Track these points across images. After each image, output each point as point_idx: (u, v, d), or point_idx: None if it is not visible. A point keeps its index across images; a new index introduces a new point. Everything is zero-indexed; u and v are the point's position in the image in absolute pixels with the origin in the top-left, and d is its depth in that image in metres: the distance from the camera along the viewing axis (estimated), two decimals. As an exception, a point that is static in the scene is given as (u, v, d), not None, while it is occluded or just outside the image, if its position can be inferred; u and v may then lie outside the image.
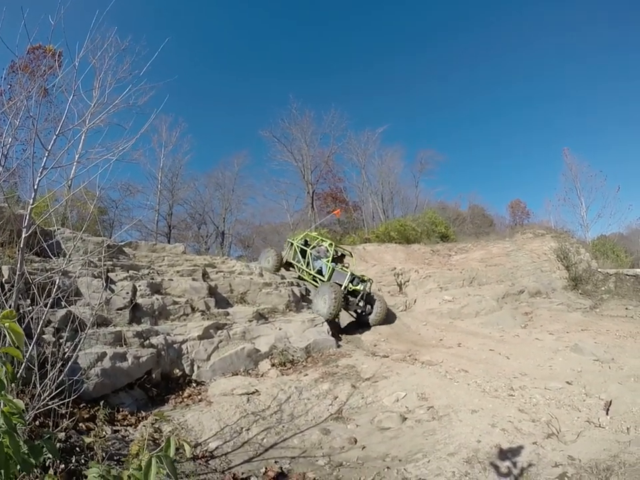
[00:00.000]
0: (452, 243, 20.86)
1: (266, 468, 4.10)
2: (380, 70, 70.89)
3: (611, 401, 5.48)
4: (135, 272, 8.14)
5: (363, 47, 72.02)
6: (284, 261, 13.75)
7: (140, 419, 5.07)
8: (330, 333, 8.97)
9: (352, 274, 11.49)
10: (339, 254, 13.67)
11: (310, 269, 12.53)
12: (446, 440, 4.59)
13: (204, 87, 62.26)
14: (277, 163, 32.37)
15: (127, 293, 7.19)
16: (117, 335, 6.06)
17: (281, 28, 68.12)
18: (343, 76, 70.21)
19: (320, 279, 12.05)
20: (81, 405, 4.65)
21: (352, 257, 13.74)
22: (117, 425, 4.68)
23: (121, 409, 5.07)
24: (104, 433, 4.26)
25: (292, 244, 13.78)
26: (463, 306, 12.65)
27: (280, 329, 8.30)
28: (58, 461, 3.16)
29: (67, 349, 4.20)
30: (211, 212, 33.59)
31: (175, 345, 6.63)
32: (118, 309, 6.88)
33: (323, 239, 13.44)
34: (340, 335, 9.88)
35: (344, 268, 12.28)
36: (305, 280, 12.93)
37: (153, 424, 4.77)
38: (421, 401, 5.82)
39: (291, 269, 13.86)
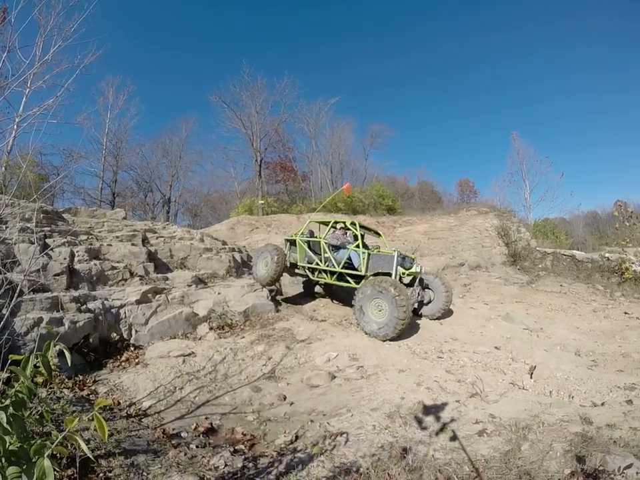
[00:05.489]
0: (398, 215, 21.49)
1: (196, 424, 4.27)
2: (337, 43, 70.93)
3: (535, 366, 5.88)
4: (73, 238, 7.93)
5: (322, 20, 71.33)
6: (287, 264, 9.81)
7: (77, 382, 5.09)
8: (269, 297, 9.09)
9: (400, 253, 8.30)
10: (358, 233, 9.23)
11: (333, 267, 8.81)
12: (371, 396, 4.90)
13: (154, 51, 60.21)
14: (226, 130, 31.63)
15: (65, 258, 7.03)
16: (54, 300, 5.97)
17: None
18: (297, 46, 69.77)
19: (350, 277, 8.67)
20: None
21: (380, 236, 10.08)
22: (53, 388, 4.70)
23: (58, 374, 5.05)
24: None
25: (294, 242, 9.81)
26: (403, 275, 12.88)
27: (219, 294, 8.34)
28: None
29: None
30: (157, 179, 32.90)
31: (112, 310, 6.61)
32: (55, 275, 6.73)
33: (337, 220, 9.58)
34: (280, 300, 9.93)
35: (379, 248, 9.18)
36: (328, 283, 9.60)
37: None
38: (351, 361, 6.12)
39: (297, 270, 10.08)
